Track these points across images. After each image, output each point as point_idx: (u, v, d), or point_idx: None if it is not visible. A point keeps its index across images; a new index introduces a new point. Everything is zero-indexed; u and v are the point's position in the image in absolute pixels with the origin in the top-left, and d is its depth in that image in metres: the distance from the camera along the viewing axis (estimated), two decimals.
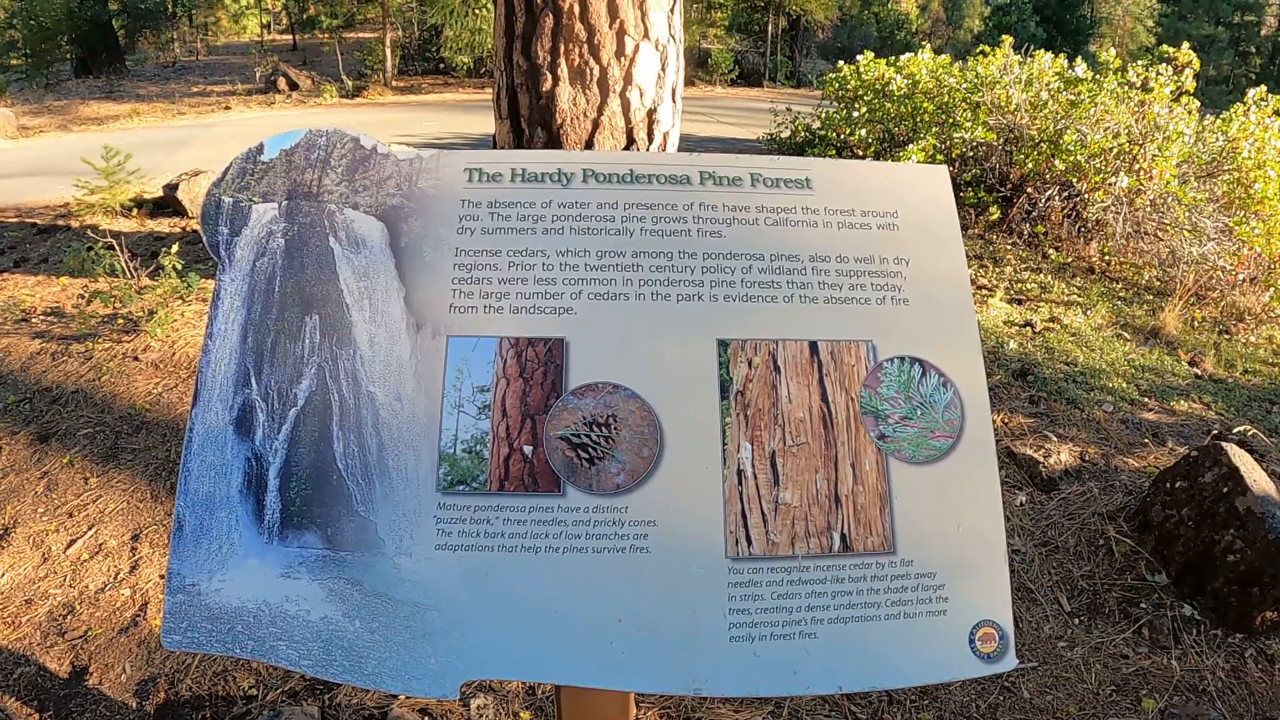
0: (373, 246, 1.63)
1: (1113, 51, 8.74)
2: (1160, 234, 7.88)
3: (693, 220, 1.66)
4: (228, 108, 19.89)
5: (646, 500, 1.49)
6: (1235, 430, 4.73)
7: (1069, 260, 7.83)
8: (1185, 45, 8.12)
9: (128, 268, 5.89)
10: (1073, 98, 8.15)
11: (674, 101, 2.68)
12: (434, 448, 1.51)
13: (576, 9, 2.42)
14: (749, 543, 1.49)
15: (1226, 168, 7.79)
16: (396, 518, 1.48)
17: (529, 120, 2.58)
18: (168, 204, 8.29)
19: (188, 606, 1.46)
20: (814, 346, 1.60)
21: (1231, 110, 7.98)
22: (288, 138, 1.75)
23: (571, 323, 1.57)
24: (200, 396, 1.56)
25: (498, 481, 1.49)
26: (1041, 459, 4.28)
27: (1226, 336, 6.67)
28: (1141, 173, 7.67)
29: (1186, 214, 7.57)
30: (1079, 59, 8.85)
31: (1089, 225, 8.11)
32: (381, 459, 1.50)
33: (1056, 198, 8.22)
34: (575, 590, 1.45)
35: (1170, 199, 7.63)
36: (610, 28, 2.45)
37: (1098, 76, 8.48)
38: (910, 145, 8.49)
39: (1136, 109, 7.93)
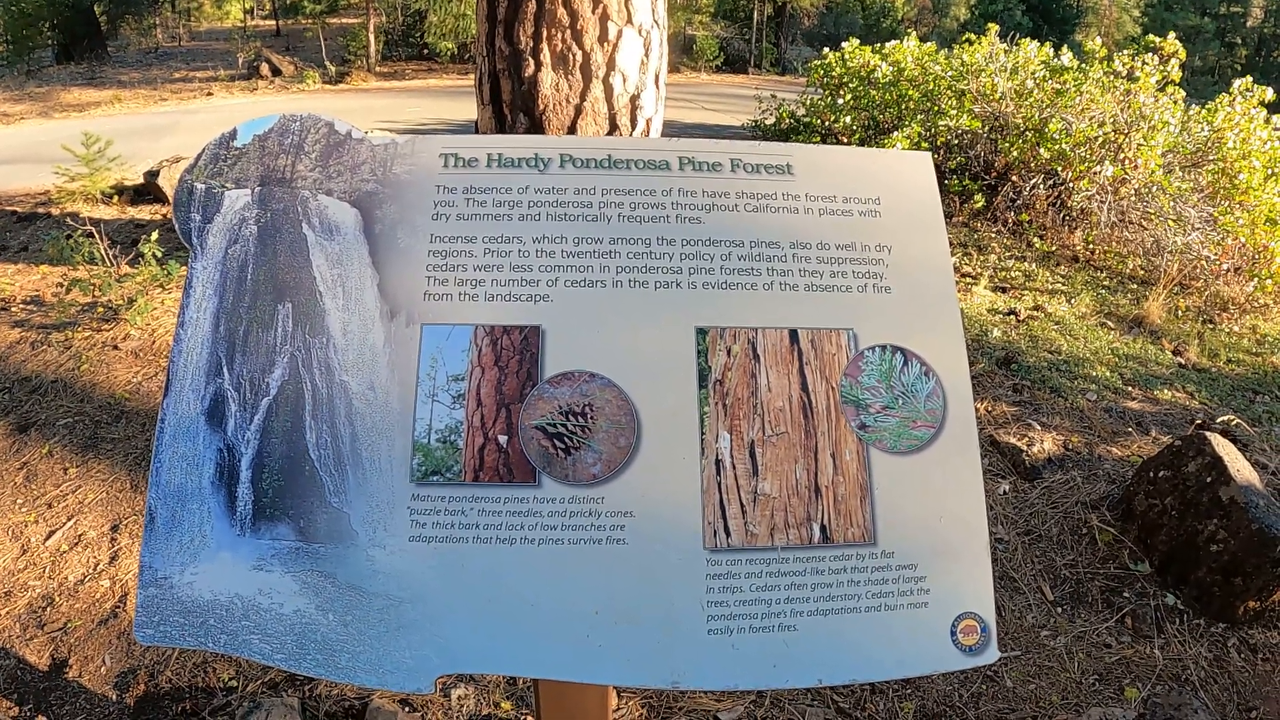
0: (346, 233, 1.60)
1: (1099, 41, 8.74)
2: (1145, 223, 7.89)
3: (672, 206, 1.64)
4: (210, 94, 19.75)
5: (623, 491, 1.47)
6: (1219, 420, 4.74)
7: (1053, 249, 7.84)
8: (1171, 35, 8.13)
9: (107, 255, 5.84)
10: (1058, 86, 8.14)
11: (657, 87, 2.66)
12: (408, 438, 1.49)
13: None
14: (727, 534, 1.47)
15: (1211, 158, 7.81)
16: (370, 509, 1.46)
17: (511, 106, 2.56)
18: (149, 191, 8.22)
19: (160, 600, 1.44)
20: (794, 335, 1.58)
21: (1217, 100, 7.99)
22: (261, 123, 1.72)
23: (548, 310, 1.55)
24: (172, 386, 1.54)
25: (472, 472, 1.47)
26: (1025, 447, 4.28)
27: (1210, 326, 6.69)
28: (1126, 162, 7.68)
29: (1171, 203, 7.58)
30: (1065, 48, 8.85)
31: (1074, 214, 8.12)
32: (355, 449, 1.48)
33: (1041, 186, 8.23)
34: (551, 582, 1.43)
35: (1155, 188, 7.64)
36: (593, 13, 2.43)
37: (1083, 65, 8.48)
38: (895, 133, 8.48)
39: (1122, 98, 7.93)
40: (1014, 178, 8.40)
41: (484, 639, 1.42)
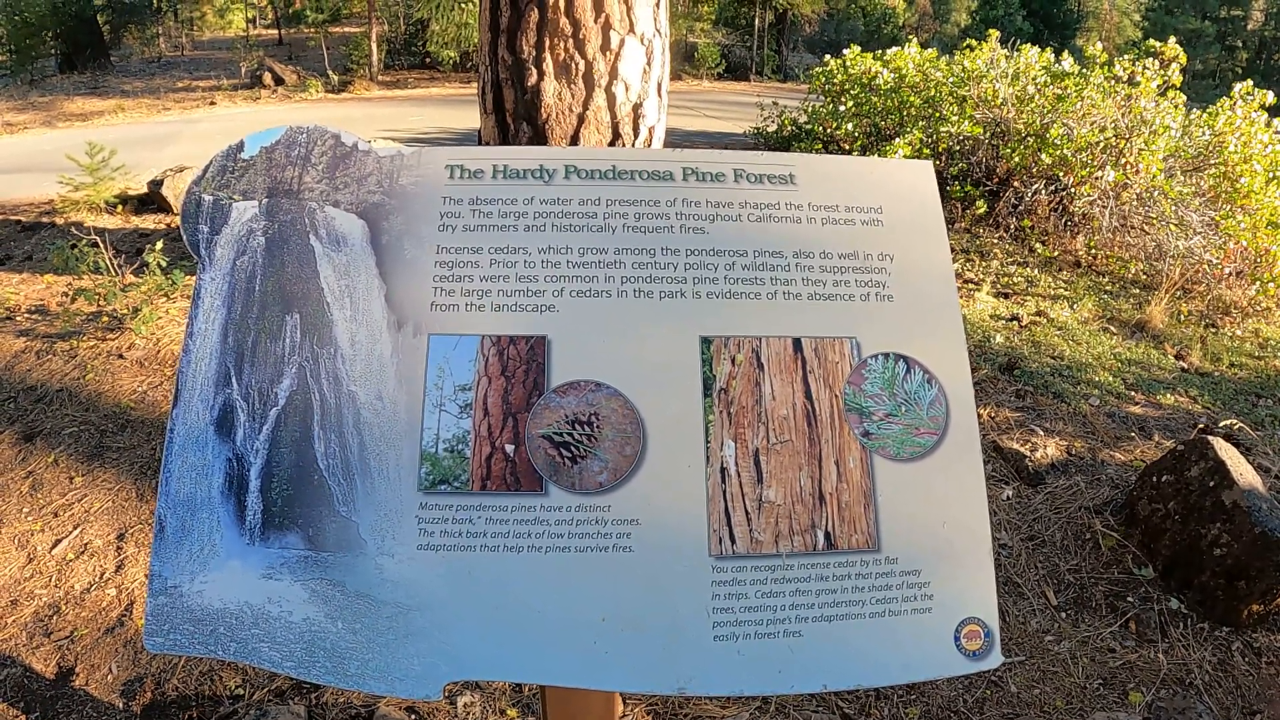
0: (353, 244, 1.62)
1: (1099, 46, 8.75)
2: (1146, 228, 7.90)
3: (675, 216, 1.65)
4: (213, 103, 19.79)
5: (629, 499, 1.48)
6: (1221, 424, 4.75)
7: (1055, 254, 7.84)
8: (1172, 39, 8.14)
9: (112, 265, 5.87)
10: (1059, 92, 8.16)
11: (660, 96, 2.66)
12: (416, 447, 1.50)
13: (561, 3, 2.41)
14: (732, 541, 1.48)
15: (1213, 162, 7.82)
16: (378, 518, 1.47)
17: (514, 115, 2.57)
18: (152, 200, 8.25)
19: (170, 608, 1.45)
20: (798, 343, 1.59)
21: (1218, 104, 8.00)
22: (268, 135, 1.74)
23: (553, 320, 1.56)
24: (181, 396, 1.55)
25: (480, 481, 1.48)
26: (1028, 453, 4.29)
27: (1213, 330, 6.69)
28: (1128, 167, 7.69)
29: (1173, 208, 7.59)
30: (1065, 53, 8.87)
31: (1075, 219, 8.13)
32: (363, 459, 1.49)
33: (1043, 191, 8.24)
34: (558, 590, 1.44)
35: (1156, 193, 7.65)
36: (595, 22, 2.44)
37: (1084, 71, 8.50)
38: (897, 139, 8.50)
39: (1123, 103, 7.95)
40: (1016, 183, 8.41)
41: (491, 646, 1.43)
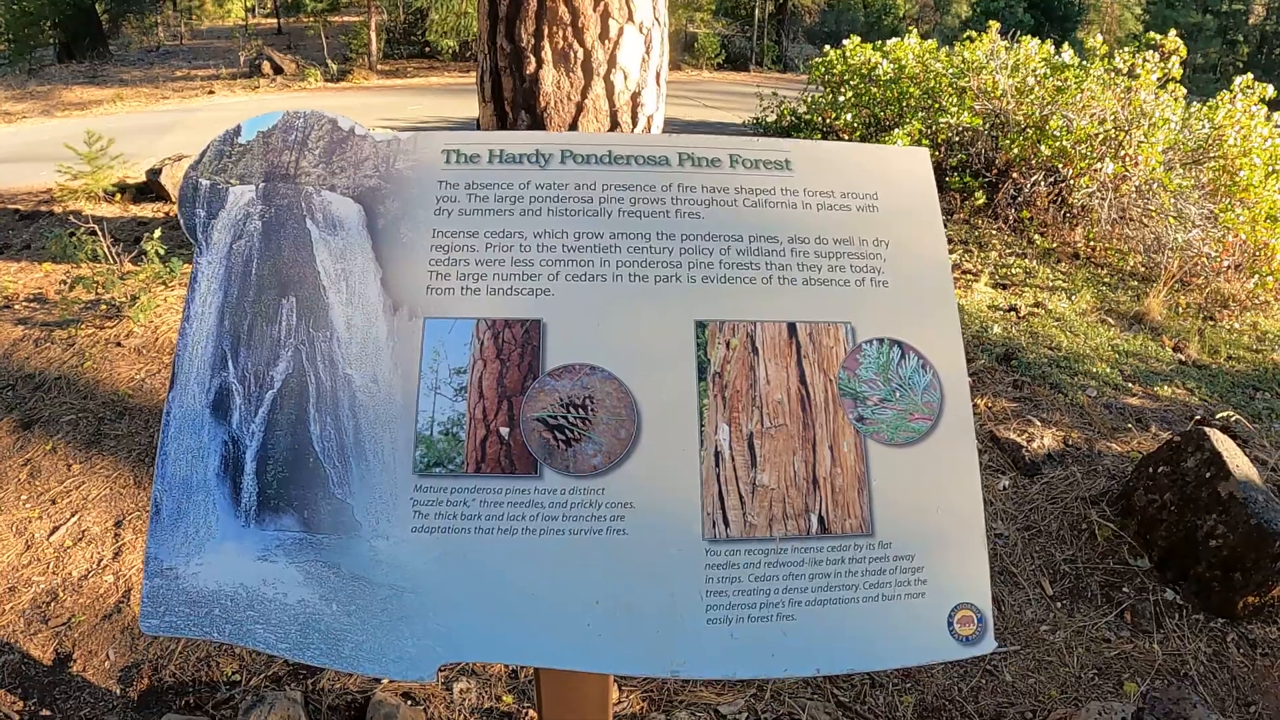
0: (350, 228, 1.62)
1: (1100, 38, 8.74)
2: (1145, 220, 7.89)
3: (671, 201, 1.66)
4: (212, 92, 19.74)
5: (623, 482, 1.49)
6: (1218, 416, 4.75)
7: (1054, 246, 7.84)
8: (1172, 32, 8.11)
9: (110, 253, 5.86)
10: (1059, 84, 8.14)
11: (658, 85, 2.67)
12: (411, 430, 1.50)
13: None
14: (726, 525, 1.49)
15: (1212, 155, 7.80)
16: (373, 500, 1.47)
17: (513, 103, 2.57)
18: (151, 189, 8.23)
19: (165, 590, 1.46)
20: (792, 328, 1.60)
21: (1218, 97, 7.98)
22: (265, 120, 1.74)
23: (549, 304, 1.57)
24: (177, 380, 1.55)
25: (474, 463, 1.49)
26: (1025, 443, 4.29)
27: (1210, 322, 6.70)
28: (1127, 159, 7.68)
29: (1172, 200, 7.58)
30: (1066, 45, 8.85)
31: (1074, 211, 8.12)
32: (358, 441, 1.50)
33: (1042, 183, 8.22)
34: (552, 572, 1.45)
35: (1156, 185, 7.64)
36: (594, 10, 2.44)
37: (1084, 63, 8.47)
38: (896, 130, 8.48)
39: (1123, 95, 7.93)
40: (1015, 175, 8.39)
41: (486, 629, 1.43)
